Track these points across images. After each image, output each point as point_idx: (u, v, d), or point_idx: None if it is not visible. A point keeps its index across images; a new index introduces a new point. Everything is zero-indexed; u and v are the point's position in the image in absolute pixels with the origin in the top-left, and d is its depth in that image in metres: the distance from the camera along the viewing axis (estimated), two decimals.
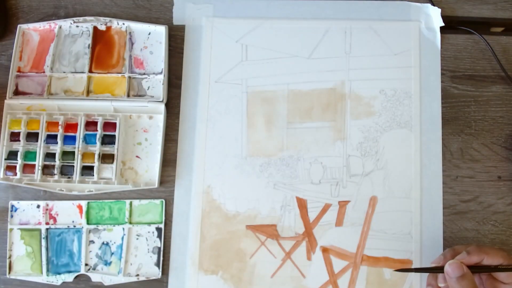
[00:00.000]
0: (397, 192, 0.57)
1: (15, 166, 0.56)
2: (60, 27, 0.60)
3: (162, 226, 0.57)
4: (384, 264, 0.56)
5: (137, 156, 0.58)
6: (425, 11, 0.61)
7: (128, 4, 0.62)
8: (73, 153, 0.57)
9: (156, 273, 0.56)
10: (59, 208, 0.57)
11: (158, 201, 0.57)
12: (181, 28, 0.61)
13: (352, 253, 0.56)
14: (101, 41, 0.60)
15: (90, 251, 0.56)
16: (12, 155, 0.57)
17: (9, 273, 0.56)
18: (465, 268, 0.46)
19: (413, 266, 0.56)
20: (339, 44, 0.60)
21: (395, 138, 0.59)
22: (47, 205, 0.57)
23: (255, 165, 0.58)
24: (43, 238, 0.56)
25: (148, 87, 0.59)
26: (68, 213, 0.57)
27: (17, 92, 0.59)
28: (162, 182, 0.58)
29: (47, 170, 0.56)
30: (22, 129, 0.57)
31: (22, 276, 0.56)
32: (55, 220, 0.57)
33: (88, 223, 0.57)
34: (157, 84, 0.59)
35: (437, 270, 0.49)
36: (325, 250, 0.56)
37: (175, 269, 0.56)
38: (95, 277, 0.56)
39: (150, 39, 0.60)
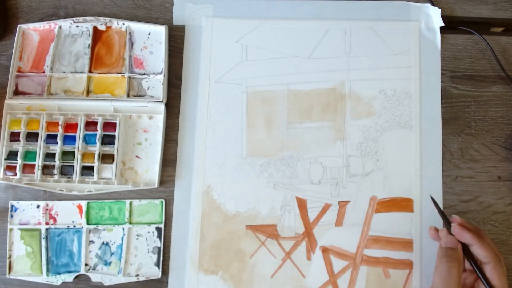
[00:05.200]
0: (397, 192, 0.57)
1: (15, 166, 0.56)
2: (60, 27, 0.60)
3: (162, 226, 0.57)
4: (384, 264, 0.56)
5: (137, 156, 0.58)
6: (425, 11, 0.61)
7: (128, 4, 0.62)
8: (73, 153, 0.57)
9: (156, 273, 0.56)
10: (59, 208, 0.57)
11: (158, 201, 0.57)
12: (181, 28, 0.61)
13: (352, 253, 0.56)
14: (101, 41, 0.60)
15: (90, 251, 0.56)
16: (12, 155, 0.57)
17: (9, 273, 0.56)
18: (459, 245, 0.48)
19: (414, 267, 0.56)
20: (339, 44, 0.60)
21: (395, 138, 0.59)
22: (47, 205, 0.57)
23: (255, 165, 0.58)
24: (43, 238, 0.56)
25: (148, 87, 0.59)
26: (68, 213, 0.57)
27: (17, 92, 0.59)
28: (162, 182, 0.58)
29: (47, 170, 0.56)
30: (22, 129, 0.57)
31: (22, 276, 0.56)
32: (55, 220, 0.57)
33: (88, 223, 0.57)
34: (157, 84, 0.59)
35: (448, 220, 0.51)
36: (325, 250, 0.56)
37: (175, 269, 0.56)
38: (95, 277, 0.56)
39: (150, 39, 0.60)
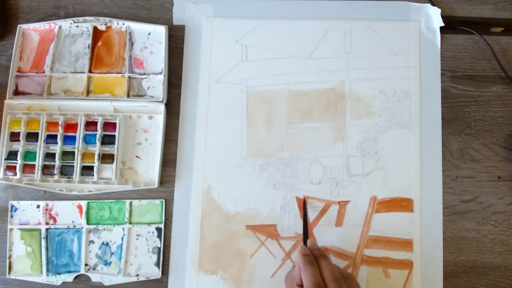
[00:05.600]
0: (397, 192, 0.57)
1: (15, 166, 0.56)
2: (60, 27, 0.60)
3: (162, 226, 0.57)
4: (384, 264, 0.56)
5: (137, 156, 0.58)
6: (425, 11, 0.61)
7: (128, 4, 0.62)
8: (73, 153, 0.57)
9: (156, 273, 0.56)
10: (59, 208, 0.57)
11: (158, 201, 0.57)
12: (181, 28, 0.61)
13: (352, 253, 0.56)
14: (101, 41, 0.60)
15: (90, 251, 0.56)
16: (12, 155, 0.57)
17: (9, 273, 0.56)
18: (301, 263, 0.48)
19: (414, 267, 0.56)
20: (339, 44, 0.60)
21: (395, 138, 0.59)
22: (47, 205, 0.57)
23: (255, 165, 0.58)
24: (43, 238, 0.56)
25: (148, 87, 0.59)
26: (68, 213, 0.57)
27: (17, 92, 0.59)
28: (162, 182, 0.58)
29: (47, 170, 0.56)
30: (22, 129, 0.57)
31: (22, 276, 0.56)
32: (55, 220, 0.57)
33: (88, 223, 0.57)
34: (157, 84, 0.58)
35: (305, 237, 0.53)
36: (325, 250, 0.56)
37: (175, 269, 0.56)
38: (95, 277, 0.56)
39: (150, 39, 0.60)
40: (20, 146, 0.57)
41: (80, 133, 0.57)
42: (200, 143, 0.58)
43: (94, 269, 0.56)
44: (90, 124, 0.57)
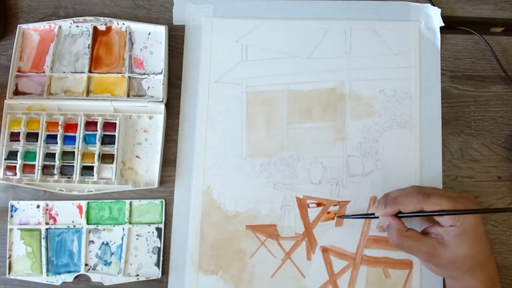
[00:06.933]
0: None
1: (15, 166, 0.56)
2: (60, 27, 0.60)
3: (162, 226, 0.57)
4: (384, 264, 0.56)
5: (137, 156, 0.58)
6: (425, 11, 0.61)
7: (128, 4, 0.62)
8: (73, 153, 0.57)
9: (156, 273, 0.56)
10: (59, 208, 0.57)
11: (158, 201, 0.57)
12: (181, 28, 0.61)
13: (352, 253, 0.56)
14: (101, 41, 0.60)
15: (90, 251, 0.56)
16: (12, 155, 0.57)
17: (9, 273, 0.56)
18: (390, 219, 0.50)
19: (414, 267, 0.56)
20: (339, 44, 0.60)
21: (395, 138, 0.59)
22: (47, 205, 0.57)
23: (255, 165, 0.58)
24: (43, 238, 0.56)
25: (148, 87, 0.59)
26: (68, 213, 0.57)
27: (17, 92, 0.59)
28: (162, 182, 0.58)
29: (47, 170, 0.56)
30: (22, 129, 0.57)
31: (22, 276, 0.56)
32: (55, 220, 0.57)
33: (88, 223, 0.57)
34: (157, 84, 0.59)
35: (371, 216, 0.53)
36: (325, 250, 0.56)
37: (175, 269, 0.56)
38: (95, 277, 0.56)
39: (150, 39, 0.60)
40: (20, 146, 0.57)
41: (80, 133, 0.57)
42: (200, 143, 0.58)
43: (94, 269, 0.56)
44: (90, 124, 0.57)
